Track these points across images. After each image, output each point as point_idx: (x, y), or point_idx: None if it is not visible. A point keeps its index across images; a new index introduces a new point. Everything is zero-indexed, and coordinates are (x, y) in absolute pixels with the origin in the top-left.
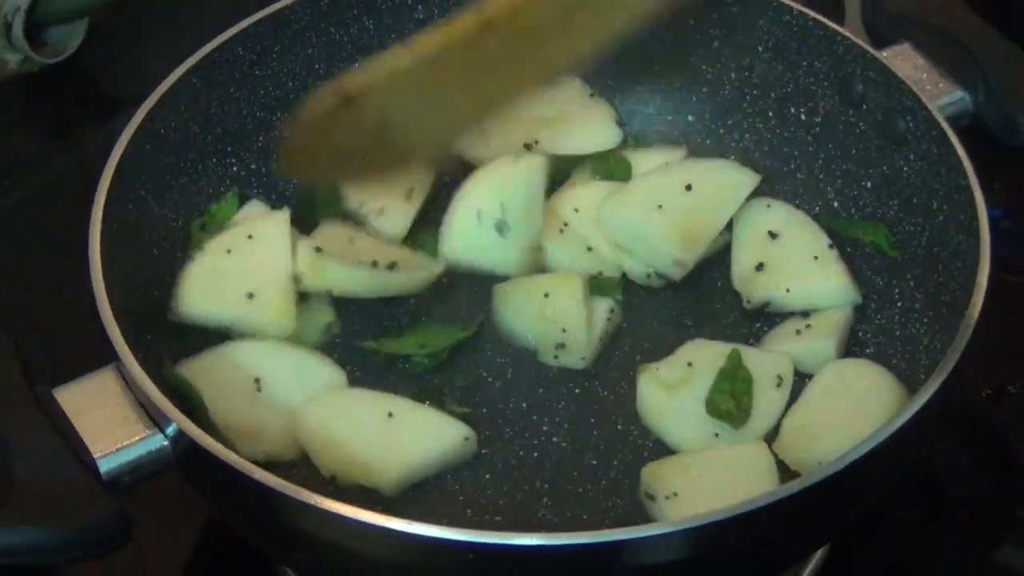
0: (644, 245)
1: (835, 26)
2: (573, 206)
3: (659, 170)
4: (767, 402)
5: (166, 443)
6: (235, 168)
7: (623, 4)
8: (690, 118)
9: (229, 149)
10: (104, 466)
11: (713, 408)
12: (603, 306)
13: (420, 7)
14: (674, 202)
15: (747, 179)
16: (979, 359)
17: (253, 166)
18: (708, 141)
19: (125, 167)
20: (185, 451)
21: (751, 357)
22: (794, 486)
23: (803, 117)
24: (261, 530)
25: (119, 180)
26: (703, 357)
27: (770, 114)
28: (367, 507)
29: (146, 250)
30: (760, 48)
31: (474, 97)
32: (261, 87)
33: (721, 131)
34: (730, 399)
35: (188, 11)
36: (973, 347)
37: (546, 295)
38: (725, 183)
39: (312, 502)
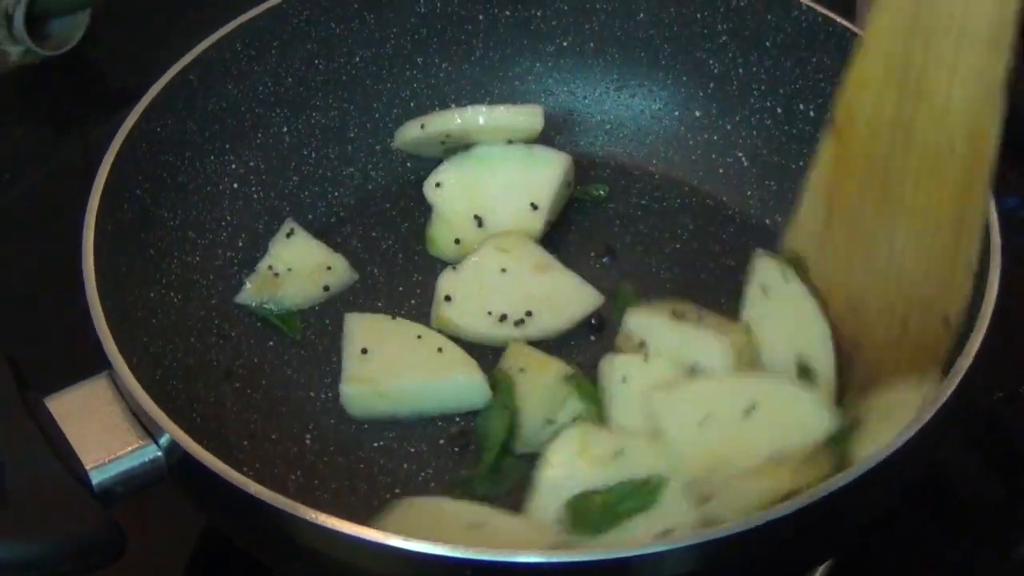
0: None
1: (844, 22)
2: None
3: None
4: None
5: (159, 453)
6: (233, 166)
7: None
8: (697, 113)
9: (227, 147)
10: (96, 477)
11: None
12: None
13: (421, 1)
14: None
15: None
16: (991, 360)
17: (251, 164)
18: (715, 137)
19: (121, 167)
20: (178, 462)
21: None
22: (804, 499)
23: (812, 113)
24: (257, 541)
25: (114, 180)
26: None
27: (778, 110)
28: (363, 522)
29: (142, 252)
30: (768, 44)
31: None
32: (260, 83)
33: (728, 127)
34: None
35: (191, 2)
36: (985, 350)
37: None
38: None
39: (308, 517)
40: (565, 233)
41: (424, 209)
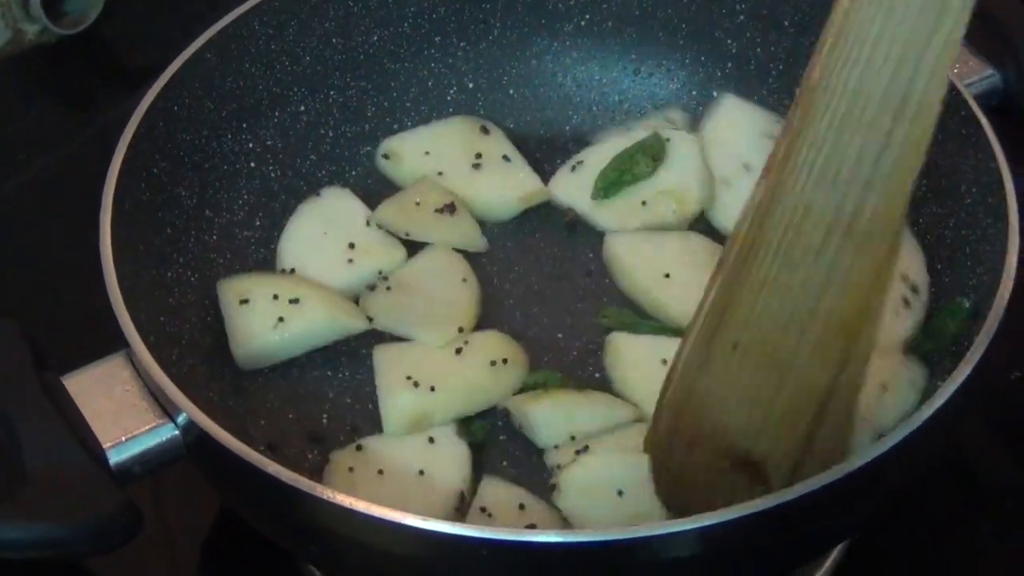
0: None
1: None
2: None
3: None
4: None
5: (176, 432)
6: (250, 144)
7: None
8: (715, 93)
9: (244, 125)
10: (114, 456)
11: None
12: None
13: None
14: None
15: None
16: (1008, 340)
17: (269, 143)
18: None
19: (138, 145)
20: (196, 441)
21: None
22: (819, 480)
23: None
24: (273, 522)
25: (132, 159)
26: None
27: (796, 90)
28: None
29: (160, 231)
30: (786, 23)
31: None
32: (277, 62)
33: None
34: None
35: None
36: (1003, 332)
37: None
38: None
39: (325, 496)
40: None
41: None
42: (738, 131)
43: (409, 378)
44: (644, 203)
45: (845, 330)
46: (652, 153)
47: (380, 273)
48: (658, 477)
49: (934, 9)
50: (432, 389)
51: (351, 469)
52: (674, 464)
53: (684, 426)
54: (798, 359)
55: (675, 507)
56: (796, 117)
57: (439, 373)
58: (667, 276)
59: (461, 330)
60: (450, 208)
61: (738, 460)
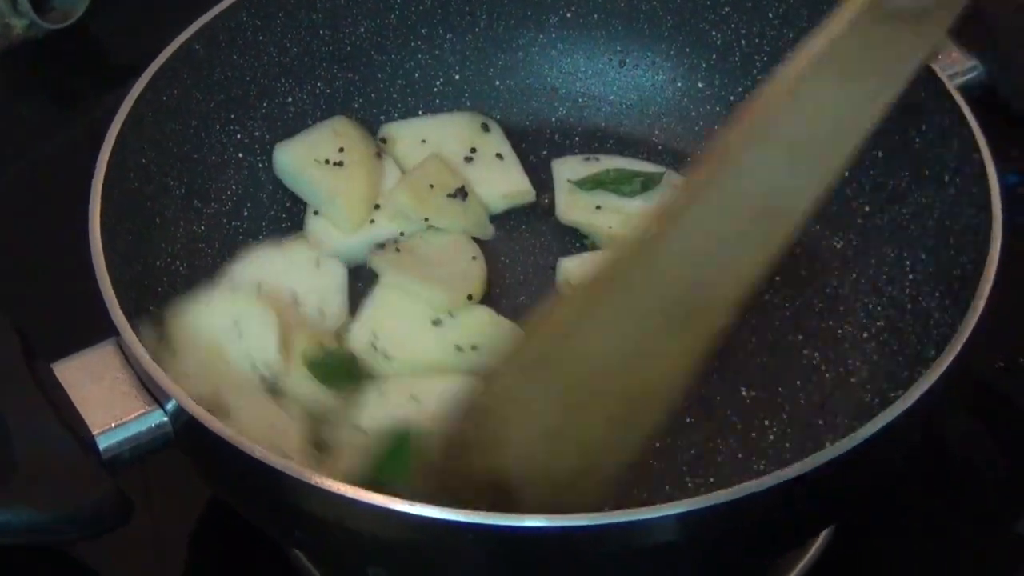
0: None
1: None
2: None
3: None
4: None
5: (166, 419)
6: (238, 135)
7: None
8: (700, 85)
9: (232, 116)
10: (103, 442)
11: None
12: None
13: None
14: None
15: None
16: (991, 330)
17: (256, 133)
18: (718, 108)
19: (126, 136)
20: (185, 427)
21: None
22: (800, 467)
23: None
24: (261, 509)
25: (120, 149)
26: None
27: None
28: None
29: (148, 220)
30: (770, 15)
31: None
32: (265, 53)
33: (731, 98)
34: None
35: None
36: (985, 320)
37: None
38: None
39: (313, 481)
40: None
41: None
42: None
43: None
44: (598, 207)
45: (638, 401)
46: (645, 184)
47: (402, 235)
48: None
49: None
50: None
51: None
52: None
53: (468, 428)
54: (591, 406)
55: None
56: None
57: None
58: None
59: (470, 298)
60: (462, 193)
61: (492, 483)
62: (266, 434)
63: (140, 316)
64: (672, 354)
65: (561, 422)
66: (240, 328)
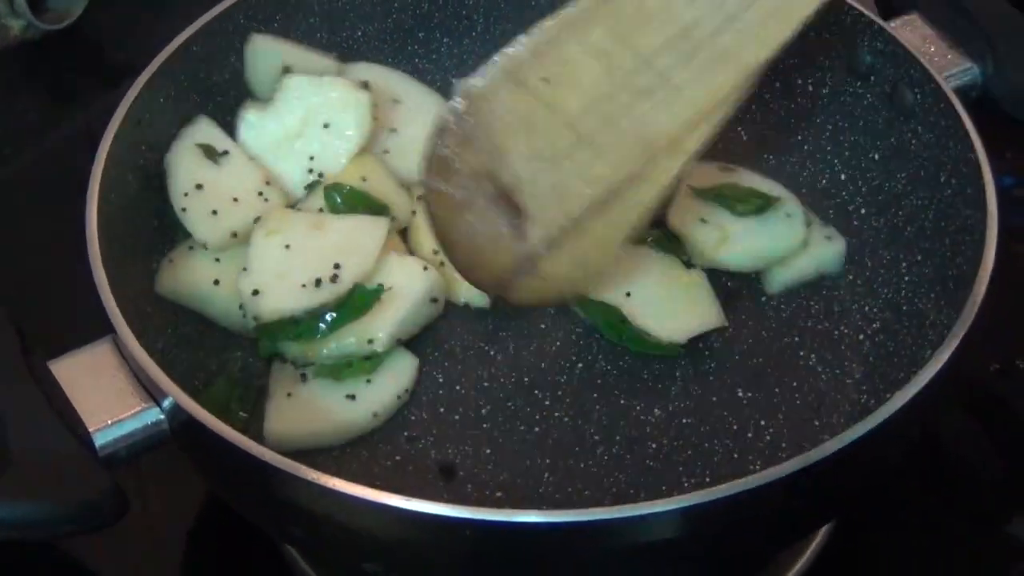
0: None
1: None
2: None
3: None
4: None
5: (162, 416)
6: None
7: None
8: None
9: (229, 119)
10: (100, 440)
11: None
12: None
13: None
14: None
15: None
16: (987, 333)
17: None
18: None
19: (124, 137)
20: (181, 425)
21: None
22: (796, 463)
23: (810, 88)
24: (256, 504)
25: (118, 150)
26: None
27: (777, 84)
28: (365, 483)
29: (146, 222)
30: None
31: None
32: None
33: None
34: None
35: None
36: (980, 322)
37: None
38: None
39: (310, 478)
40: None
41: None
42: None
43: None
44: (703, 220)
45: (652, 141)
46: (760, 207)
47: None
48: (435, 226)
49: None
50: None
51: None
52: (443, 202)
53: (466, 153)
54: (597, 139)
55: (459, 264)
56: None
57: None
58: (628, 295)
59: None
60: None
61: (502, 193)
62: None
63: (137, 314)
64: (691, 95)
65: (564, 147)
66: None
